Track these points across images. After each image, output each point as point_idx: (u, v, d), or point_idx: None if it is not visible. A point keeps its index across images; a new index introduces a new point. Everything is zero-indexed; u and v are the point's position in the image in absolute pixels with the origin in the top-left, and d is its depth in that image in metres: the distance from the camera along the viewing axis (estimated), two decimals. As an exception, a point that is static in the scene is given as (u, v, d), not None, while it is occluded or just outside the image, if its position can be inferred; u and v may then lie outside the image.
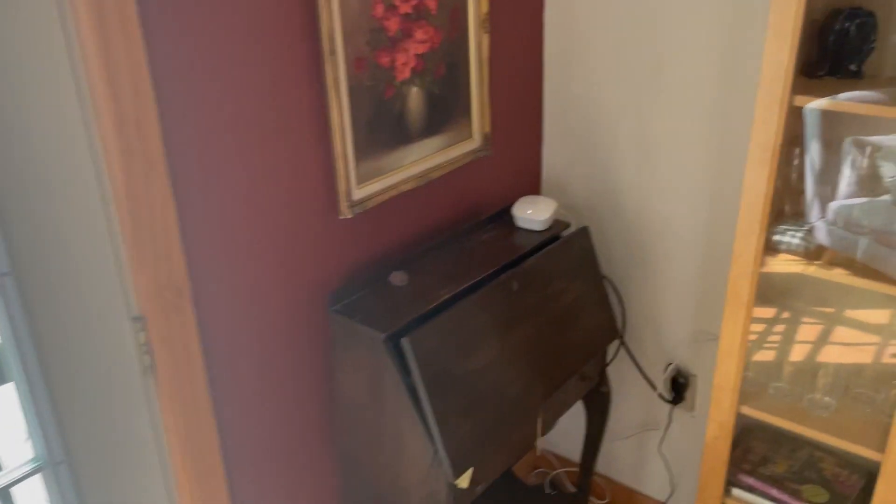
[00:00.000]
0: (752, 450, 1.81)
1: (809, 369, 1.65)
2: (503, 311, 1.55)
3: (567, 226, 1.83)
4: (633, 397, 2.16)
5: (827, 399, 1.59)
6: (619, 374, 2.15)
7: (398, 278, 1.53)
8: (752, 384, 1.66)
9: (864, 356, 1.66)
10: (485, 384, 1.47)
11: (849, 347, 1.67)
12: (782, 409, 1.60)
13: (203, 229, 1.26)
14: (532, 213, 1.78)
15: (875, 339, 1.66)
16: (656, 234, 1.93)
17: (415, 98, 1.58)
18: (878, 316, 1.65)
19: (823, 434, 1.54)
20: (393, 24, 1.47)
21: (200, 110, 1.21)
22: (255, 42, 1.26)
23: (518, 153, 1.97)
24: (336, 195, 1.46)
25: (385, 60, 1.48)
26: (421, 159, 1.63)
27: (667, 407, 2.07)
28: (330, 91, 1.37)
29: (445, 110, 1.67)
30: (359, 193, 1.49)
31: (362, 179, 1.50)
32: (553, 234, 1.78)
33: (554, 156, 2.05)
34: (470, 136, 1.77)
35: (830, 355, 1.67)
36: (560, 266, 1.71)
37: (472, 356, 1.45)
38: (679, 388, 2.03)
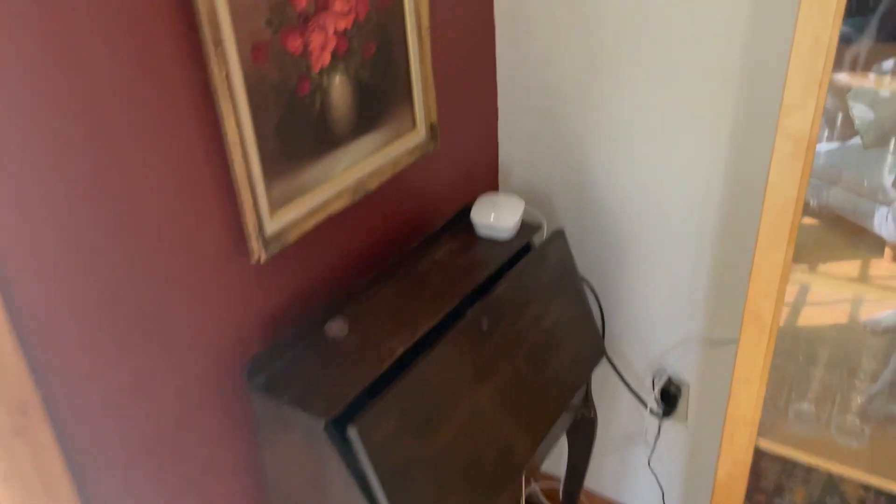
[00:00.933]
0: (763, 474, 1.56)
1: (837, 384, 1.39)
2: (473, 358, 1.22)
3: (537, 229, 1.50)
4: (618, 409, 1.89)
5: (860, 425, 1.33)
6: (601, 382, 1.86)
7: (336, 328, 1.18)
8: (767, 407, 1.40)
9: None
10: (456, 458, 1.15)
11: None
12: (808, 441, 1.34)
13: (50, 312, 0.88)
14: (495, 220, 1.44)
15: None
16: (640, 228, 1.62)
17: (340, 89, 1.21)
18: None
19: (860, 472, 1.29)
20: (302, -5, 1.08)
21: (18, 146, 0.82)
22: (100, 38, 0.86)
23: (471, 143, 1.62)
24: (243, 233, 1.10)
25: (295, 45, 1.10)
26: (354, 166, 1.27)
27: (656, 418, 1.80)
28: (219, 94, 0.99)
29: (381, 99, 1.30)
30: (274, 225, 1.13)
31: (278, 205, 1.13)
32: (522, 243, 1.45)
33: (512, 143, 1.70)
34: (413, 127, 1.41)
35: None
36: (536, 285, 1.39)
37: (438, 429, 1.13)
38: (670, 398, 1.76)
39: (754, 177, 1.44)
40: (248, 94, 1.04)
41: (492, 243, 1.45)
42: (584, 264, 1.74)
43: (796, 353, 1.41)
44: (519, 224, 1.46)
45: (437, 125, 1.44)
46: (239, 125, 1.02)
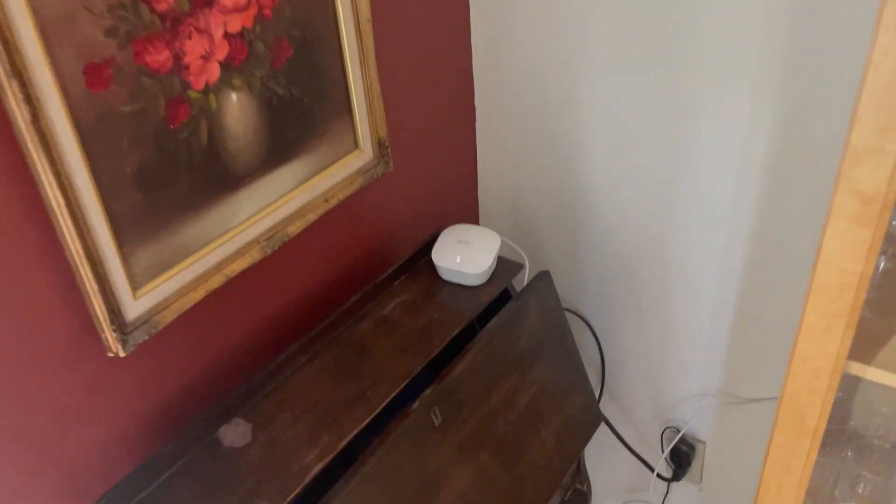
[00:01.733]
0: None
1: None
2: (422, 464, 0.94)
3: (518, 269, 1.19)
4: (618, 475, 1.60)
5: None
6: (597, 444, 1.57)
7: (233, 434, 0.90)
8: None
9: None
10: None
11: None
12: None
13: None
14: (462, 263, 1.13)
15: None
16: (649, 263, 1.31)
17: (237, 111, 0.89)
18: None
19: None
20: (165, -12, 0.77)
21: None
22: None
23: (438, 160, 1.30)
24: (95, 322, 0.80)
25: (159, 58, 0.78)
26: (266, 209, 0.96)
27: (665, 482, 1.51)
28: (28, 143, 0.68)
29: (303, 117, 0.99)
30: (140, 307, 0.83)
31: (145, 279, 0.83)
32: (497, 291, 1.14)
33: (493, 156, 1.38)
34: (355, 146, 1.09)
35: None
36: (512, 351, 1.09)
37: (363, 578, 0.85)
38: (681, 457, 1.47)
39: (795, 211, 1.11)
40: (82, 135, 0.73)
41: (459, 290, 1.14)
42: (579, 301, 1.43)
43: (842, 444, 1.10)
44: (493, 265, 1.15)
45: (387, 141, 1.12)
46: (64, 183, 0.72)
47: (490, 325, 1.07)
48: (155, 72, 0.78)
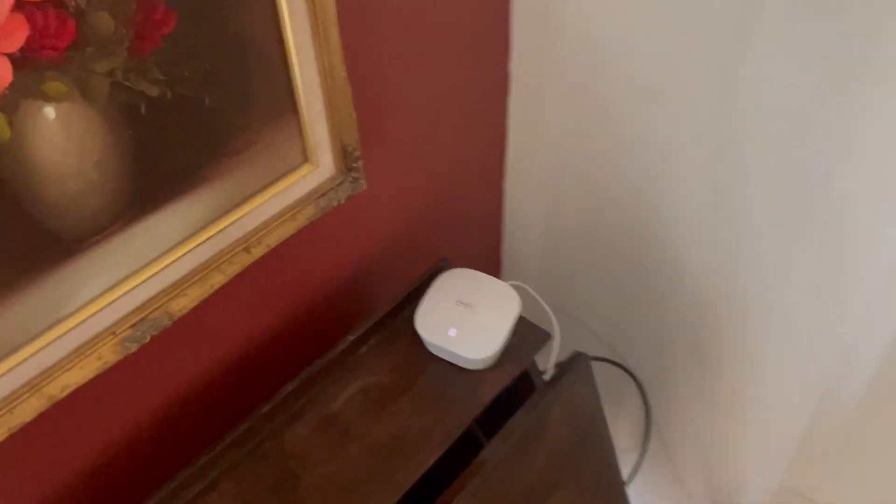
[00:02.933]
0: None
1: None
2: None
3: (542, 341, 0.81)
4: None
5: None
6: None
7: None
8: None
9: None
10: None
11: None
12: None
13: None
14: (458, 339, 0.76)
15: None
16: (735, 325, 0.91)
17: (59, 137, 0.51)
18: None
19: None
20: None
21: None
22: None
23: (443, 169, 0.90)
24: None
25: None
26: (126, 283, 0.59)
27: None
28: None
29: (204, 129, 0.59)
30: None
31: None
32: (507, 378, 0.77)
33: (530, 161, 0.97)
34: (303, 159, 0.70)
35: None
36: (523, 480, 0.73)
37: None
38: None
39: None
40: None
41: (453, 373, 0.78)
42: (624, 349, 1.06)
43: None
44: (506, 342, 0.78)
45: (357, 149, 0.72)
46: None
47: (493, 448, 0.71)
48: None
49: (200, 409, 0.73)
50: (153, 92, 0.55)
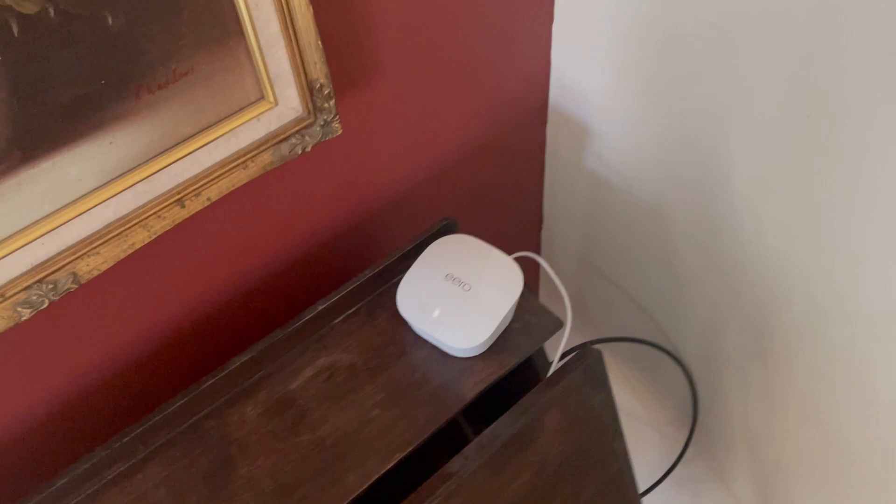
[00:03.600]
0: None
1: None
2: None
3: (551, 329, 0.67)
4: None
5: None
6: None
7: None
8: None
9: None
10: None
11: None
12: None
13: None
14: (443, 324, 0.63)
15: None
16: (810, 309, 0.74)
17: None
18: None
19: None
20: None
21: None
22: None
23: (453, 106, 0.74)
24: None
25: None
26: (14, 239, 0.50)
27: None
28: None
29: (113, 55, 0.48)
30: None
31: None
32: (500, 370, 0.65)
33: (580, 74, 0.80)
34: (259, 95, 0.57)
35: None
36: (505, 493, 0.62)
37: None
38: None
39: None
40: None
41: (439, 358, 0.66)
42: (675, 335, 0.90)
43: None
44: (500, 330, 0.65)
45: (328, 85, 0.59)
46: None
47: (465, 457, 0.59)
48: None
49: (127, 385, 0.64)
50: (27, 9, 0.43)
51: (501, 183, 0.89)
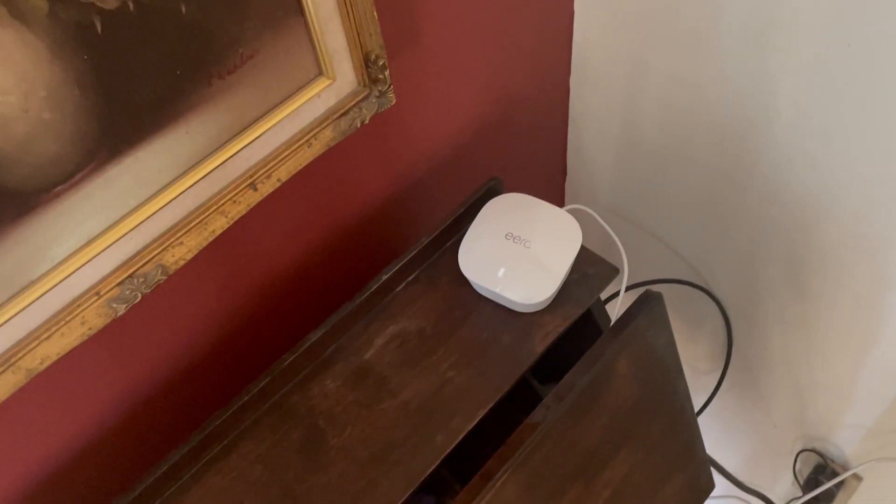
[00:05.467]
0: None
1: None
2: None
3: (608, 277, 0.69)
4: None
5: None
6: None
7: None
8: None
9: None
10: None
11: None
12: None
13: None
14: (506, 281, 0.65)
15: None
16: (850, 243, 0.77)
17: (-13, 73, 0.40)
18: None
19: None
20: None
21: None
22: None
23: (491, 67, 0.75)
24: None
25: None
26: (106, 236, 0.50)
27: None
28: None
29: (184, 46, 0.48)
30: None
31: None
32: (566, 322, 0.67)
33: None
34: (317, 71, 0.58)
35: None
36: (585, 441, 0.64)
37: None
38: (816, 487, 1.03)
39: None
40: None
41: (503, 315, 0.68)
42: (706, 271, 0.93)
43: None
44: (563, 283, 0.67)
45: (382, 55, 0.59)
46: None
47: (546, 408, 0.62)
48: None
49: (213, 367, 0.65)
50: (109, 4, 0.43)
51: (528, 137, 0.90)
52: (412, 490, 0.59)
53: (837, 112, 0.67)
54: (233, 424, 0.62)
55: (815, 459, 1.01)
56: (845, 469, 1.00)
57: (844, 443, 0.97)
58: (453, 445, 0.61)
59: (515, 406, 0.74)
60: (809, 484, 1.03)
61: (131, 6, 0.44)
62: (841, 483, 1.00)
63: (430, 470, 0.60)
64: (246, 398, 0.61)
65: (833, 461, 1.00)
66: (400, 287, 0.70)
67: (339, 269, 0.72)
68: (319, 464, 0.61)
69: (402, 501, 0.58)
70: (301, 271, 0.68)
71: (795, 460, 1.03)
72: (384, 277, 0.67)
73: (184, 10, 0.47)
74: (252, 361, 0.68)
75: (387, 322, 0.68)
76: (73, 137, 0.46)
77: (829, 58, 0.64)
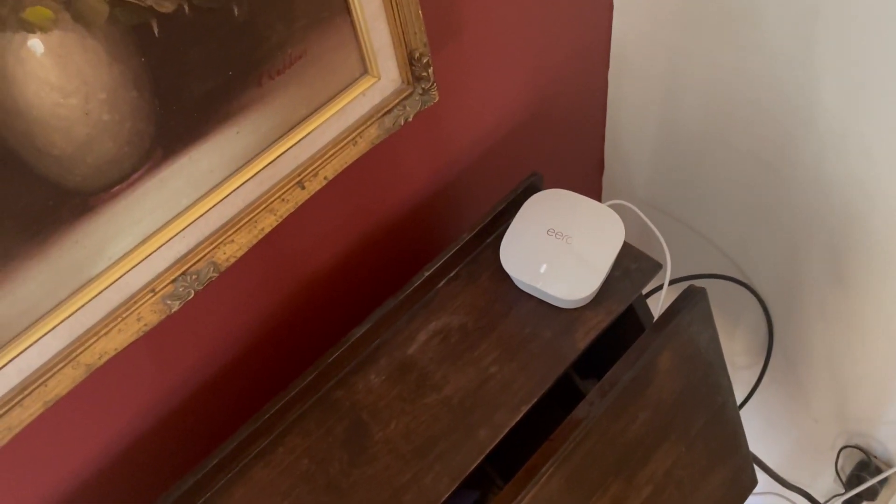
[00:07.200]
0: None
1: None
2: None
3: (651, 272, 0.69)
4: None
5: None
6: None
7: None
8: None
9: None
10: None
11: None
12: None
13: None
14: (548, 277, 0.65)
15: None
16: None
17: (54, 74, 0.41)
18: None
19: None
20: None
21: None
22: None
23: (531, 62, 0.75)
24: None
25: None
26: (159, 235, 0.51)
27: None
28: None
29: (236, 45, 0.49)
30: None
31: None
32: (609, 317, 0.67)
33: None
34: (362, 69, 0.58)
35: None
36: (625, 436, 0.65)
37: None
38: (859, 484, 1.02)
39: None
40: None
41: (545, 311, 0.68)
42: (746, 263, 0.92)
43: None
44: (605, 274, 0.67)
45: (426, 53, 0.60)
46: None
47: (590, 404, 0.62)
48: None
49: (259, 363, 0.67)
50: (166, 7, 0.44)
51: (566, 132, 0.90)
52: (457, 485, 0.60)
53: (886, 98, 0.66)
54: (279, 419, 0.63)
55: (857, 456, 1.00)
56: (889, 466, 0.99)
57: (888, 439, 0.96)
58: (497, 440, 0.62)
59: (555, 400, 0.74)
60: (852, 481, 1.02)
61: (187, 9, 0.45)
62: (885, 480, 0.99)
63: (475, 465, 0.61)
64: (293, 393, 0.62)
65: (876, 457, 0.99)
66: (442, 283, 0.70)
67: (382, 265, 0.73)
68: (364, 457, 0.62)
69: (447, 496, 0.59)
70: (344, 267, 0.69)
71: (837, 456, 1.02)
72: (426, 273, 0.68)
73: (236, 11, 0.48)
74: (297, 356, 0.69)
75: (429, 317, 0.68)
76: (131, 138, 0.47)
77: (877, 39, 0.63)
